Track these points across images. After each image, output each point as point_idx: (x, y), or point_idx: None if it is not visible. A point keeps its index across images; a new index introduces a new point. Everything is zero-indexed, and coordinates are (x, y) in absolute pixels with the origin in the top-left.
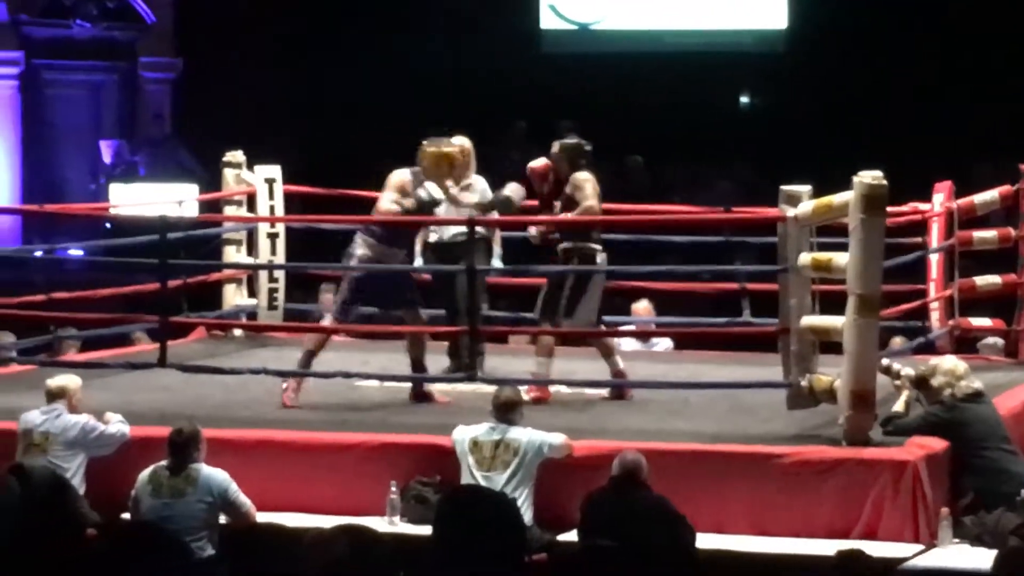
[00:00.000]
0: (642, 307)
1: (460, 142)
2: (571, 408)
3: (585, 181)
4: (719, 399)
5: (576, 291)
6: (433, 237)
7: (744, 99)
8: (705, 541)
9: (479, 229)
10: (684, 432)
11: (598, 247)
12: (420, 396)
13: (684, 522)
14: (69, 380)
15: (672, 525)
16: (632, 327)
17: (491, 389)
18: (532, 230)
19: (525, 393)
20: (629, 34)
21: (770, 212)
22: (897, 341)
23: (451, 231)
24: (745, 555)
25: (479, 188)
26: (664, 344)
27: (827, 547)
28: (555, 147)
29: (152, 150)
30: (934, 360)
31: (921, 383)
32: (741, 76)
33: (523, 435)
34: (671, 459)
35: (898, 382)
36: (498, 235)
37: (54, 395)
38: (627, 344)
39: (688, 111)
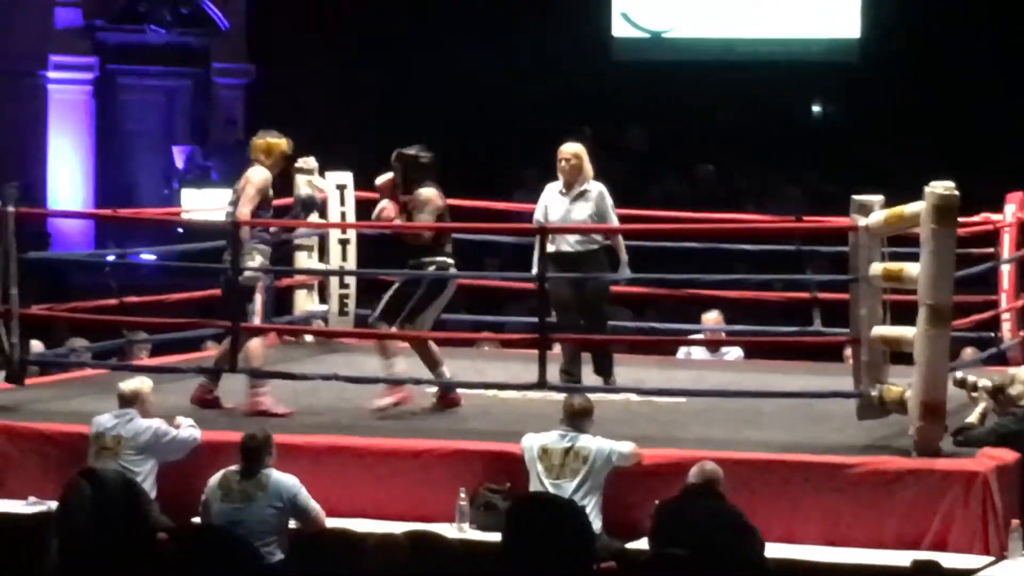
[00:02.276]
0: (712, 317)
1: (572, 148)
2: (641, 416)
3: (427, 200)
4: (790, 408)
5: (425, 299)
6: (551, 248)
7: (816, 108)
8: (775, 551)
9: (598, 238)
10: (755, 441)
11: (450, 260)
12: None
13: (755, 533)
14: (142, 384)
15: (744, 536)
16: (702, 336)
17: (560, 396)
18: None
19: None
20: (701, 42)
21: (842, 221)
22: (968, 352)
23: (570, 241)
24: (816, 565)
25: (593, 195)
26: (734, 353)
27: (898, 558)
28: (393, 155)
29: (224, 155)
30: (1012, 370)
31: (998, 392)
32: (813, 85)
33: (592, 443)
34: (742, 468)
35: (975, 394)
36: (622, 242)
37: (127, 399)
38: (697, 353)
39: (759, 120)
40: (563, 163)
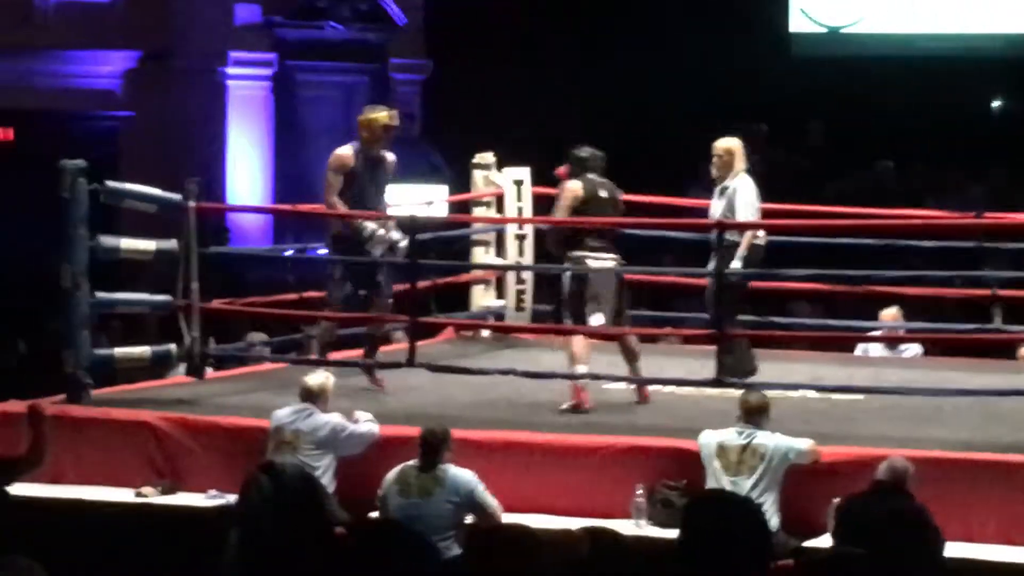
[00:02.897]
0: (891, 313)
1: (721, 143)
2: (818, 413)
3: (562, 193)
4: (971, 406)
5: (575, 298)
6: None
7: (996, 103)
8: (954, 550)
9: (728, 234)
10: (934, 439)
11: (592, 254)
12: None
13: (938, 532)
14: (327, 380)
15: (927, 535)
16: (880, 332)
17: (737, 393)
18: None
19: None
20: (879, 37)
21: (1022, 218)
22: None
23: (713, 235)
24: (994, 565)
25: (729, 190)
26: (913, 350)
27: None
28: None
29: (402, 150)
30: None
31: None
32: (993, 80)
33: (770, 440)
34: (921, 466)
35: None
36: (746, 238)
37: (311, 394)
38: (875, 350)
39: (939, 115)
40: (713, 158)
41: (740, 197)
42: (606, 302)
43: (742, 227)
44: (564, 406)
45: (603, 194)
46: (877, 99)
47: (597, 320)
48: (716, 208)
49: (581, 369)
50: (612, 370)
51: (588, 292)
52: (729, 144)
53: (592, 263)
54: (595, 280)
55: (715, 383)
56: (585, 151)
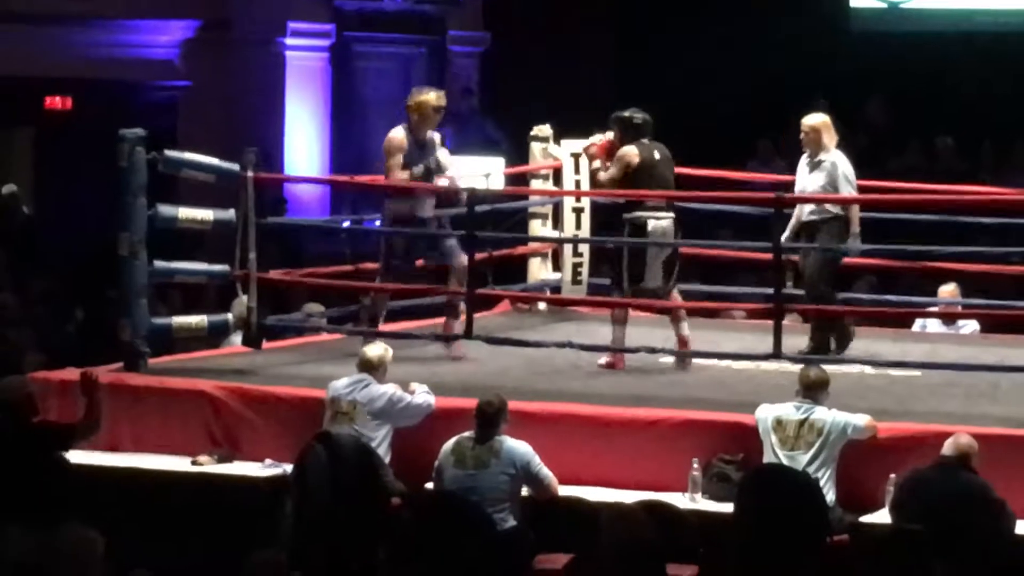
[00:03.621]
0: (948, 290)
1: (808, 120)
2: (875, 389)
3: (619, 157)
4: None
5: (631, 262)
6: (792, 220)
7: None
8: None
9: (832, 208)
10: (992, 416)
11: (648, 215)
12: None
13: (1005, 509)
14: (385, 351)
15: (993, 512)
16: (937, 308)
17: (796, 368)
18: None
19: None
20: (940, 12)
21: None
22: None
23: (806, 210)
24: None
25: (827, 165)
26: (971, 326)
27: None
28: (611, 118)
29: (459, 123)
30: None
31: None
32: None
33: (828, 415)
34: (979, 443)
35: None
36: (855, 213)
37: (370, 364)
38: (933, 326)
39: (1000, 92)
40: (801, 135)
41: (840, 171)
42: (657, 264)
43: (799, 201)
44: (601, 361)
45: (658, 156)
46: (937, 75)
47: (650, 283)
48: (811, 182)
49: (618, 332)
50: (669, 342)
51: (646, 256)
52: (814, 121)
53: (652, 223)
54: (653, 244)
55: (772, 357)
56: (637, 115)
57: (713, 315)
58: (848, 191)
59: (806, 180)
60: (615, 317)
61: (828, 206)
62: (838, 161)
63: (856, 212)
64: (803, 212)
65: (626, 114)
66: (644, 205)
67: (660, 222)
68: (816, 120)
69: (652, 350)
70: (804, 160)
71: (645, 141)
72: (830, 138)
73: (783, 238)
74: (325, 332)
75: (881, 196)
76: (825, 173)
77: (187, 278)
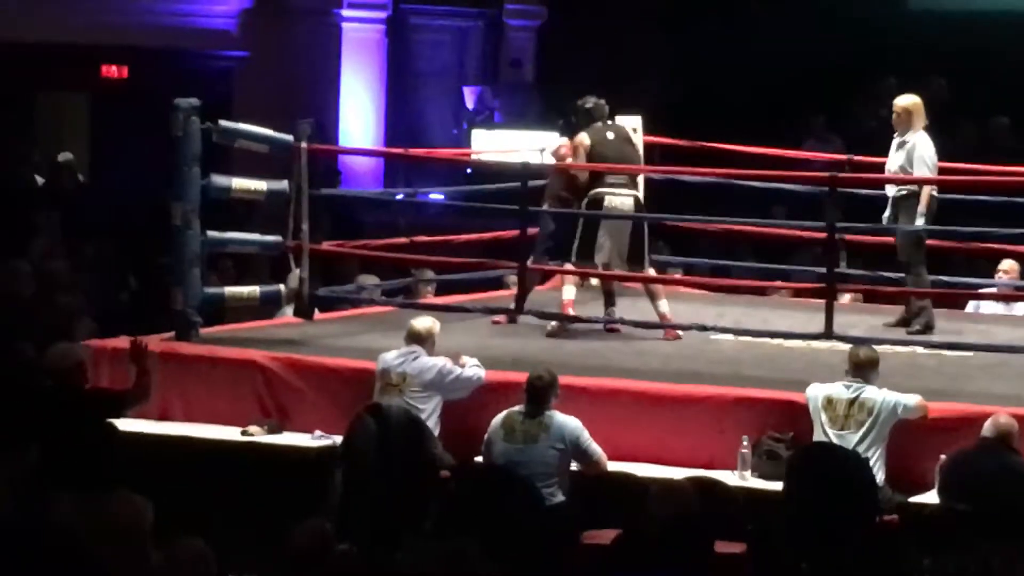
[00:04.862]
0: (1007, 266)
1: (899, 101)
2: (927, 369)
3: (575, 144)
4: None
5: (585, 234)
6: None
7: None
8: None
9: (911, 186)
10: None
11: (607, 191)
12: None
13: None
14: (433, 323)
15: None
16: (994, 290)
17: (847, 347)
18: None
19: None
20: None
21: None
22: None
23: (890, 188)
24: None
25: (907, 145)
26: None
27: None
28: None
29: (514, 97)
30: None
31: None
32: None
33: (878, 395)
34: None
35: None
36: (925, 193)
37: (418, 337)
38: (986, 307)
39: None
40: (893, 115)
41: (918, 152)
42: (609, 241)
43: (860, 182)
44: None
45: (610, 135)
46: (995, 54)
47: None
48: (894, 161)
49: (569, 292)
50: (722, 319)
51: (599, 230)
52: (906, 103)
53: (609, 199)
54: (605, 221)
55: (823, 336)
56: (588, 101)
57: (763, 293)
58: (923, 172)
59: (892, 159)
60: (571, 279)
61: (908, 184)
62: (919, 142)
63: (926, 192)
64: (889, 189)
65: (578, 102)
66: (603, 182)
67: (616, 198)
68: (908, 101)
69: (703, 328)
70: (894, 140)
71: (598, 124)
72: (919, 119)
73: (884, 216)
74: (377, 304)
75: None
76: (905, 153)
77: (239, 248)
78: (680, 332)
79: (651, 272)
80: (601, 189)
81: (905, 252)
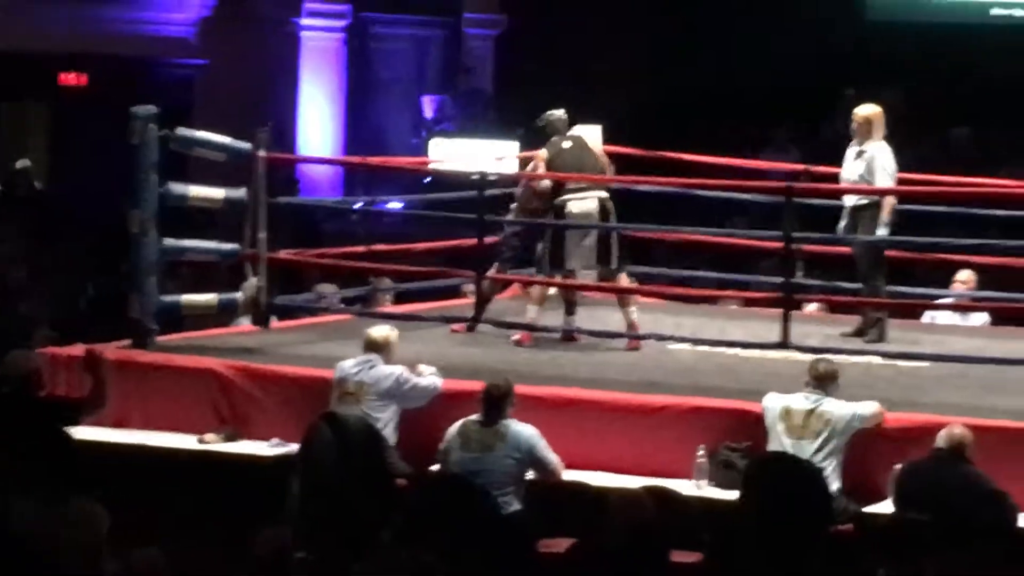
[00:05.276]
0: (964, 277)
1: (860, 110)
2: (882, 380)
3: (536, 164)
4: None
5: (551, 247)
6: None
7: None
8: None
9: (871, 196)
10: (1000, 409)
11: (570, 197)
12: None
13: (1007, 500)
14: (390, 332)
15: (994, 502)
16: (950, 301)
17: (804, 357)
18: None
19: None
20: (956, 5)
21: None
22: None
23: (852, 198)
24: None
25: (867, 155)
26: (980, 319)
27: None
28: None
29: (471, 106)
30: None
31: None
32: None
33: (836, 406)
34: (985, 436)
35: None
36: (886, 203)
37: (376, 345)
38: (942, 317)
39: (1015, 83)
40: (853, 123)
41: (878, 161)
42: (578, 247)
43: (817, 192)
44: (514, 338)
45: (566, 145)
46: (953, 65)
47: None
48: (852, 171)
49: (532, 311)
50: (680, 328)
51: (567, 241)
52: (866, 112)
53: (572, 204)
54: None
55: (780, 346)
56: (542, 119)
57: (720, 303)
58: (885, 182)
59: (849, 168)
60: (534, 297)
61: (867, 194)
62: (879, 153)
63: (889, 203)
64: (848, 199)
65: (537, 121)
66: (565, 189)
67: (581, 203)
68: (868, 111)
69: (660, 337)
70: (851, 148)
71: (554, 138)
72: (879, 129)
73: (840, 226)
74: (335, 312)
75: (895, 187)
76: (865, 163)
77: (197, 256)
78: (639, 341)
79: (625, 278)
80: (565, 196)
81: (865, 263)
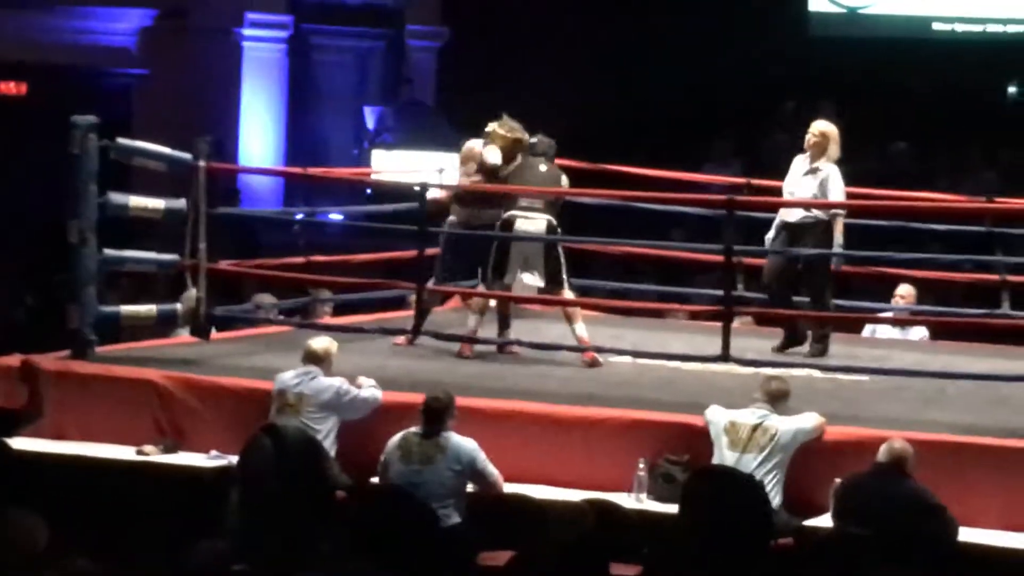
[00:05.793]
0: (904, 291)
1: (818, 126)
2: (823, 393)
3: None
4: (975, 390)
5: (498, 255)
6: (778, 218)
7: (1012, 89)
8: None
9: (818, 213)
10: (938, 422)
11: (519, 214)
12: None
13: (946, 514)
14: (330, 343)
15: (934, 516)
16: (890, 314)
17: (744, 370)
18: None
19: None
20: (897, 19)
21: None
22: None
23: (794, 213)
24: (995, 550)
25: (821, 174)
26: (920, 332)
27: None
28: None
29: (413, 117)
30: None
31: None
32: (1010, 65)
33: (780, 421)
34: (924, 449)
35: None
36: (839, 224)
37: (315, 357)
38: (882, 331)
39: (955, 99)
40: (809, 137)
41: (833, 183)
42: (520, 260)
43: (758, 205)
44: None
45: (542, 168)
46: (893, 80)
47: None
48: (805, 188)
49: (472, 320)
50: (619, 340)
51: (509, 252)
52: (826, 128)
53: (521, 223)
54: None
55: (720, 359)
56: (535, 136)
57: (660, 315)
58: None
59: (798, 183)
60: (473, 307)
61: (816, 212)
62: (833, 175)
63: (841, 222)
64: (790, 214)
65: (529, 136)
66: (516, 205)
67: (528, 223)
68: (828, 127)
69: (599, 350)
70: (801, 163)
71: (533, 159)
72: (835, 148)
73: (767, 237)
74: (274, 324)
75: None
76: (819, 182)
77: (137, 267)
78: (600, 356)
79: (569, 294)
80: (513, 212)
81: (815, 279)
